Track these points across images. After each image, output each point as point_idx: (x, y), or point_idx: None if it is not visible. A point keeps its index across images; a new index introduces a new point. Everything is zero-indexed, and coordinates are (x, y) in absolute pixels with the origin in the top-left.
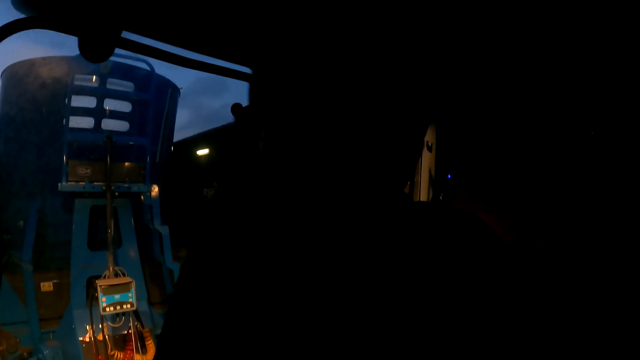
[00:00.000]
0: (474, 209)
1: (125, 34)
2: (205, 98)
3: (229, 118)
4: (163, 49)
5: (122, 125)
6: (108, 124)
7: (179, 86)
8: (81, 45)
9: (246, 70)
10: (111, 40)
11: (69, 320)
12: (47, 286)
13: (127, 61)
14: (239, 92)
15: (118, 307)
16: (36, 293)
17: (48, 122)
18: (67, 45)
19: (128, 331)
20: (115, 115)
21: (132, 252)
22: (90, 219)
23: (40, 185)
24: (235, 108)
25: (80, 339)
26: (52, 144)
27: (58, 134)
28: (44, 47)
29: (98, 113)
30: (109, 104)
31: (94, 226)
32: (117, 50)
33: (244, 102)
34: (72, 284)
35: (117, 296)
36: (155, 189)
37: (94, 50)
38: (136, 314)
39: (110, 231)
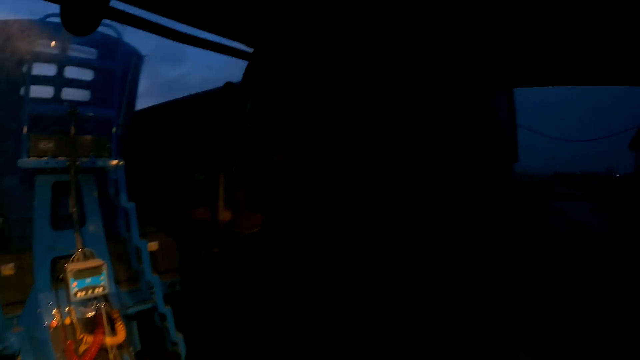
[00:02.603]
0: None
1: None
2: (163, 67)
3: (188, 88)
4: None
5: (83, 95)
6: (68, 93)
7: (143, 54)
8: (64, 15)
9: (246, 48)
10: (98, 9)
11: (34, 305)
12: (8, 269)
13: None
14: (198, 62)
15: (90, 292)
16: None
17: (3, 92)
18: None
19: (97, 313)
20: (76, 84)
21: (97, 230)
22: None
23: None
24: (228, 87)
25: (47, 323)
26: (6, 116)
27: (14, 105)
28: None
29: (58, 82)
30: (69, 71)
31: (54, 204)
32: None
33: (210, 77)
34: (35, 266)
35: (88, 280)
36: (120, 163)
37: (78, 21)
38: (105, 295)
39: (76, 209)
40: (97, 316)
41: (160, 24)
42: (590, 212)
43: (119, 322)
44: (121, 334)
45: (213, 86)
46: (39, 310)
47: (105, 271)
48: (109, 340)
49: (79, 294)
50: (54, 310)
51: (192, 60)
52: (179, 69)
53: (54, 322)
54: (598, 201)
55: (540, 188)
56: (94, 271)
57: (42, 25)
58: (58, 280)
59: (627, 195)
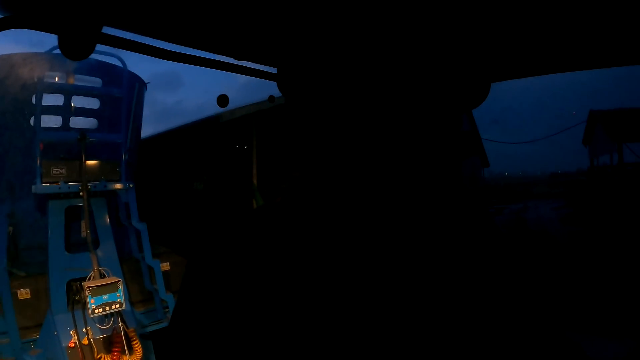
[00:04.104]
0: None
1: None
2: (160, 94)
3: (185, 115)
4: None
5: (90, 123)
6: (76, 122)
7: (146, 81)
8: (61, 43)
9: (249, 63)
10: (92, 36)
11: (51, 327)
12: (24, 293)
13: (95, 56)
14: (195, 87)
15: (107, 308)
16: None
17: (14, 121)
18: (46, 44)
19: (113, 332)
20: (83, 112)
21: (110, 251)
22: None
23: (9, 188)
24: (222, 99)
25: (64, 345)
26: (18, 144)
27: (25, 134)
28: (23, 47)
29: (66, 110)
30: (76, 101)
31: (67, 228)
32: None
33: (207, 101)
34: (51, 289)
35: (105, 297)
36: (130, 186)
37: (74, 48)
38: (120, 314)
39: (89, 232)
40: (113, 335)
41: (152, 45)
42: (553, 210)
43: (136, 341)
44: (138, 353)
45: (210, 111)
46: (55, 332)
47: (121, 287)
48: (125, 359)
49: (97, 311)
50: (71, 331)
51: (188, 86)
52: (175, 95)
53: (71, 342)
54: (568, 198)
55: (518, 190)
56: (111, 288)
57: (50, 57)
58: (74, 302)
59: (584, 190)
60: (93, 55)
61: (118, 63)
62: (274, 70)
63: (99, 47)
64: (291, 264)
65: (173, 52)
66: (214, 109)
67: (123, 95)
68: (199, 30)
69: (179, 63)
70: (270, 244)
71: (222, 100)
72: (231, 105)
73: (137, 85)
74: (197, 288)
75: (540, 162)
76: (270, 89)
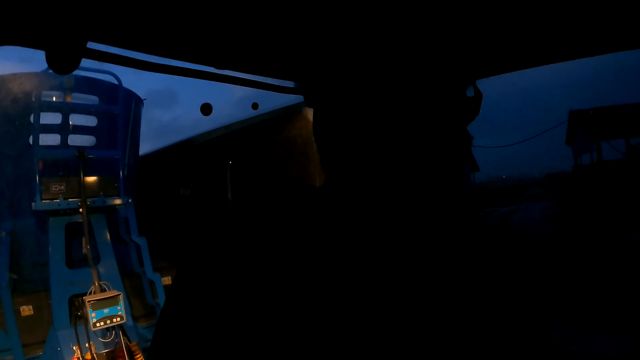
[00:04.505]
0: None
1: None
2: (157, 111)
3: (182, 131)
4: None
5: (89, 140)
6: (74, 140)
7: (142, 97)
8: (48, 59)
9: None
10: (77, 51)
11: (54, 343)
12: (27, 310)
13: (91, 74)
14: (190, 103)
15: (108, 322)
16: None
17: (12, 140)
18: (35, 59)
19: (116, 347)
20: (81, 130)
21: (111, 267)
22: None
23: (10, 206)
24: (205, 108)
25: None
26: (18, 163)
27: (24, 153)
28: (12, 64)
29: (64, 129)
30: (74, 119)
31: (68, 244)
32: (83, 63)
33: (204, 117)
34: (53, 305)
35: (106, 310)
36: (129, 201)
37: (61, 63)
38: (122, 328)
39: (89, 247)
40: (116, 350)
41: (135, 58)
42: (543, 210)
43: (138, 355)
44: None
45: (206, 126)
46: (59, 348)
47: (122, 301)
48: None
49: (98, 324)
50: (74, 347)
51: (183, 103)
52: (171, 112)
53: (74, 358)
54: (557, 198)
55: (512, 192)
56: (111, 301)
57: (47, 76)
58: (77, 317)
59: (570, 189)
60: (89, 74)
61: (114, 81)
62: (272, 80)
63: (95, 65)
64: (284, 266)
65: (161, 65)
66: (209, 124)
67: (119, 112)
68: (184, 42)
69: (173, 80)
70: (262, 247)
71: (206, 108)
72: (227, 120)
73: (133, 102)
74: (187, 294)
75: (536, 163)
76: (263, 100)
